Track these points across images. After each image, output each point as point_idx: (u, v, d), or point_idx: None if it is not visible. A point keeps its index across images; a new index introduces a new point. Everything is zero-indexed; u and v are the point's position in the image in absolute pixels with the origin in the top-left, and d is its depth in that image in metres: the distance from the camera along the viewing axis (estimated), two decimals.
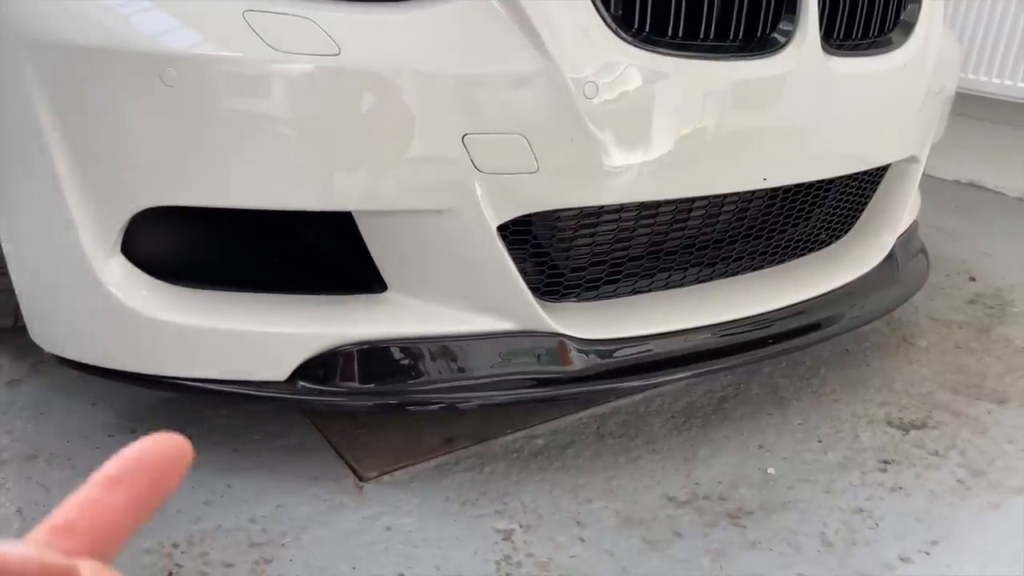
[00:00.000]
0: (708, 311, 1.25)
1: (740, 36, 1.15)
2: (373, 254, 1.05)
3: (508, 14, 0.98)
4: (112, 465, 0.25)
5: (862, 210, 1.53)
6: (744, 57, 1.13)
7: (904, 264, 1.53)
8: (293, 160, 0.94)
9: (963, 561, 1.04)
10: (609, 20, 1.03)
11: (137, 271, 1.02)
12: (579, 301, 1.20)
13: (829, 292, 1.38)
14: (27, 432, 1.19)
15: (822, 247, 1.49)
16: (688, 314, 1.23)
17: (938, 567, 1.03)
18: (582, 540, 1.04)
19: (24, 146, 0.98)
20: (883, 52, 1.31)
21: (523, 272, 1.07)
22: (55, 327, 1.09)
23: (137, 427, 1.22)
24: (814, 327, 1.34)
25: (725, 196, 1.26)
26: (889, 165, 1.47)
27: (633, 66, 1.03)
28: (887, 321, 1.65)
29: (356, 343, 1.05)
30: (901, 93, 1.36)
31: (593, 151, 1.03)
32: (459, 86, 0.96)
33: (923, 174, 1.53)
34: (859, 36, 1.30)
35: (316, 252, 1.13)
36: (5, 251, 1.09)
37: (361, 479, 1.13)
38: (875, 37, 1.33)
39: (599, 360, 1.14)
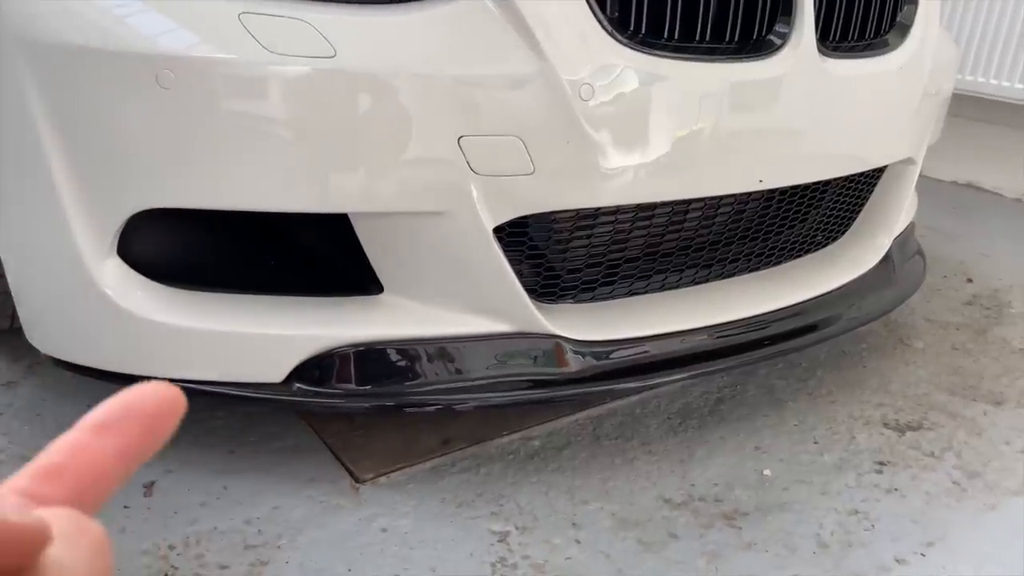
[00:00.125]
0: (704, 312, 1.25)
1: (736, 38, 1.15)
2: (369, 256, 1.05)
3: (504, 16, 0.98)
4: (102, 412, 0.24)
5: (859, 211, 1.53)
6: (740, 59, 1.13)
7: (901, 265, 1.53)
8: (289, 162, 0.94)
9: (959, 562, 1.04)
10: (605, 22, 1.03)
11: (133, 273, 1.02)
12: (575, 303, 1.20)
13: (826, 294, 1.38)
14: (23, 434, 1.19)
15: (819, 248, 1.49)
16: (684, 315, 1.23)
17: (934, 568, 1.03)
18: (578, 542, 1.04)
19: (20, 147, 0.98)
20: (879, 54, 1.32)
21: (519, 274, 1.07)
22: (51, 329, 1.09)
23: None
24: (811, 328, 1.34)
25: (721, 198, 1.26)
26: (886, 166, 1.47)
27: (629, 68, 1.03)
28: (884, 322, 1.65)
29: (352, 345, 1.05)
30: (897, 95, 1.36)
31: (589, 153, 1.03)
32: (455, 88, 0.96)
33: (920, 175, 1.53)
34: (855, 38, 1.30)
35: (312, 254, 1.13)
36: (1, 253, 1.09)
37: (357, 481, 1.13)
38: (871, 39, 1.33)
39: (595, 362, 1.14)
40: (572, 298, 1.20)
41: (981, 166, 2.63)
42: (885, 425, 1.33)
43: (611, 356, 1.16)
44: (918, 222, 1.70)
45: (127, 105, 0.92)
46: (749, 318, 1.27)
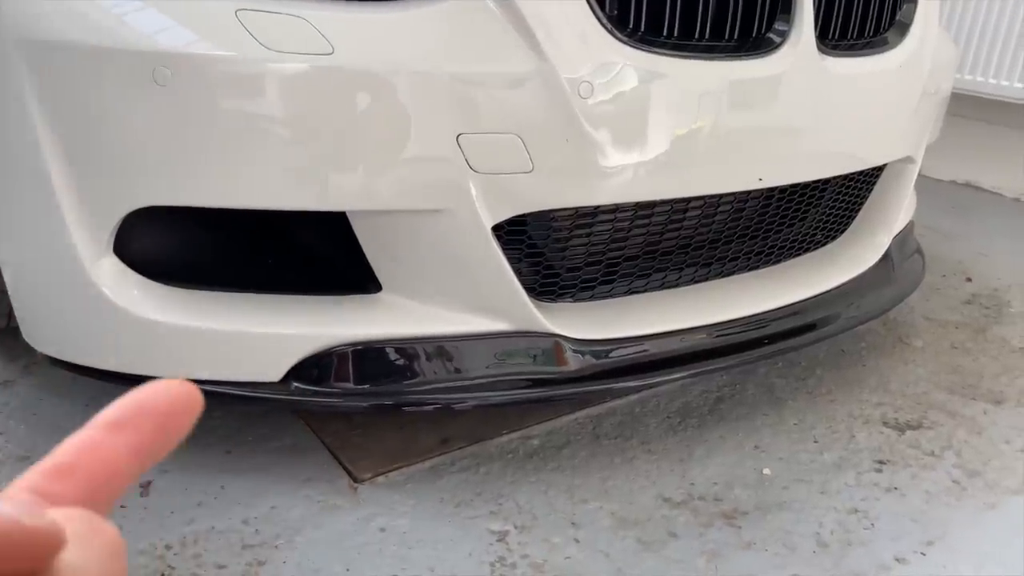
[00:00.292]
0: (704, 311, 1.25)
1: (735, 36, 1.15)
2: (367, 254, 1.05)
3: (503, 14, 0.97)
4: (116, 409, 0.23)
5: (858, 210, 1.53)
6: (739, 57, 1.13)
7: (900, 264, 1.53)
8: (286, 160, 0.94)
9: (959, 561, 1.04)
10: (604, 20, 1.02)
11: (130, 271, 1.02)
12: (575, 301, 1.20)
13: (825, 292, 1.38)
14: (19, 433, 1.18)
15: (818, 247, 1.49)
16: (684, 314, 1.23)
17: (934, 567, 1.03)
18: (577, 541, 1.04)
19: (16, 145, 0.98)
20: (878, 52, 1.31)
21: (518, 272, 1.07)
22: (48, 328, 1.08)
23: None
24: (810, 327, 1.34)
25: (721, 196, 1.25)
26: (885, 165, 1.47)
27: (628, 66, 1.03)
28: (883, 321, 1.65)
29: (350, 344, 1.04)
30: (897, 93, 1.36)
31: (588, 151, 1.02)
32: (453, 86, 0.95)
33: (919, 174, 1.53)
34: (854, 36, 1.30)
35: (310, 252, 1.13)
36: None
37: (355, 480, 1.13)
38: (870, 37, 1.33)
39: (595, 360, 1.14)
40: (571, 297, 1.19)
41: (980, 165, 2.63)
42: (885, 424, 1.33)
43: (610, 355, 1.15)
44: (917, 221, 1.70)
45: (124, 103, 0.92)
46: (748, 317, 1.27)
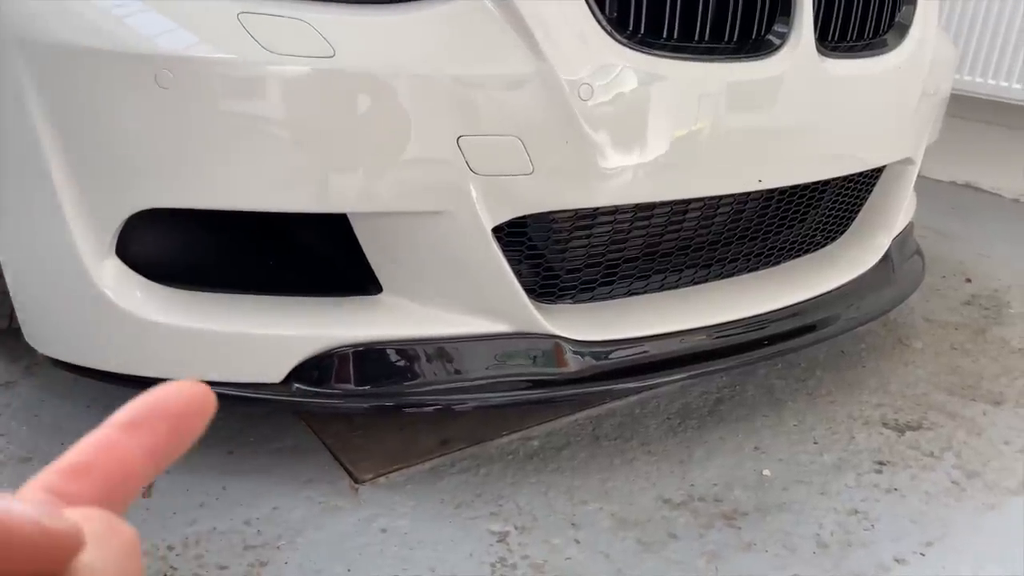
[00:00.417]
0: (704, 312, 1.25)
1: (735, 38, 1.15)
2: (368, 256, 1.05)
3: (503, 16, 0.98)
4: (130, 410, 0.23)
5: (858, 211, 1.53)
6: (739, 59, 1.13)
7: (900, 265, 1.53)
8: (288, 162, 0.94)
9: (958, 562, 1.04)
10: (604, 22, 1.03)
11: (132, 273, 1.02)
12: (575, 303, 1.20)
13: (825, 293, 1.38)
14: (21, 434, 1.18)
15: (818, 248, 1.49)
16: (684, 316, 1.23)
17: (933, 568, 1.03)
18: (577, 542, 1.04)
19: (19, 147, 0.98)
20: (878, 54, 1.32)
21: (518, 274, 1.07)
22: (49, 329, 1.08)
23: None
24: (810, 328, 1.34)
25: (720, 198, 1.26)
26: (884, 167, 1.47)
27: (628, 68, 1.03)
28: (883, 322, 1.65)
29: (351, 345, 1.05)
30: (896, 95, 1.36)
31: (588, 153, 1.03)
32: (454, 88, 0.96)
33: (919, 175, 1.53)
34: (854, 38, 1.30)
35: (311, 254, 1.13)
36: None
37: (356, 481, 1.13)
38: (870, 39, 1.34)
39: (594, 362, 1.14)
40: (571, 298, 1.20)
41: (980, 166, 2.63)
42: (884, 425, 1.33)
43: (610, 356, 1.16)
44: (917, 222, 1.71)
45: (126, 105, 0.92)
46: (748, 318, 1.27)
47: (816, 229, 1.47)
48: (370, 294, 1.08)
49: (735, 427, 1.30)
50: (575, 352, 1.13)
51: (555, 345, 1.12)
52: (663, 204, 1.19)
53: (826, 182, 1.38)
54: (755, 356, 1.27)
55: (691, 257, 1.29)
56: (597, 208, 1.12)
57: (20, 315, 1.10)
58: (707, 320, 1.24)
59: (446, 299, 1.07)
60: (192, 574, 0.96)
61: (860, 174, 1.44)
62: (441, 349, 1.08)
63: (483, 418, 1.27)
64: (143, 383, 1.15)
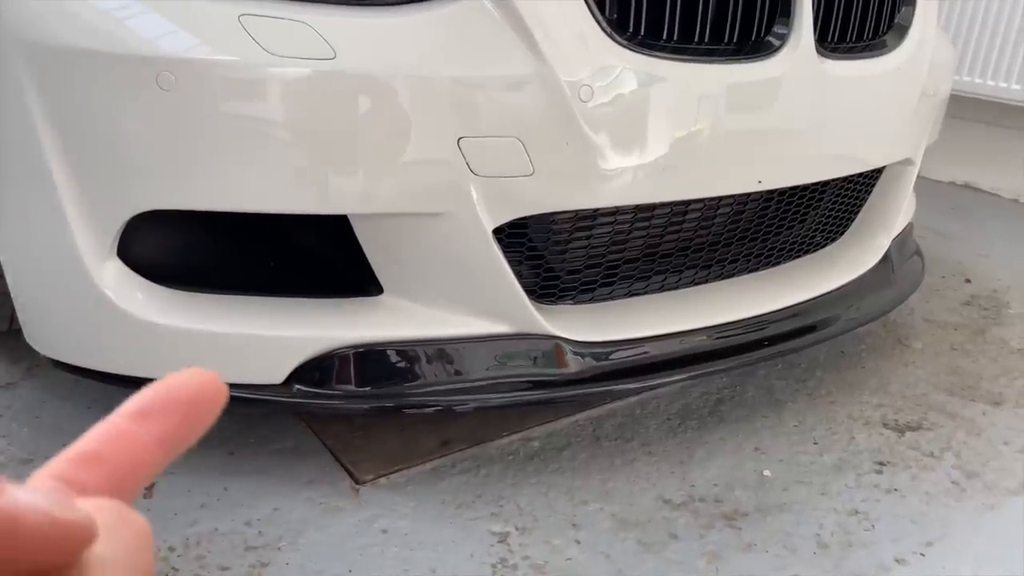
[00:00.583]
0: (704, 313, 1.25)
1: (735, 39, 1.15)
2: (369, 257, 1.05)
3: (503, 17, 0.98)
4: (141, 399, 0.23)
5: (857, 212, 1.53)
6: (739, 60, 1.14)
7: (899, 266, 1.54)
8: (289, 164, 0.95)
9: (958, 562, 1.04)
10: (604, 23, 1.03)
11: (133, 274, 1.02)
12: (575, 304, 1.20)
13: (825, 294, 1.38)
14: (22, 436, 1.19)
15: (818, 249, 1.49)
16: (684, 316, 1.23)
17: (933, 568, 1.03)
18: (578, 542, 1.04)
19: (21, 149, 0.98)
20: (877, 55, 1.32)
21: (519, 275, 1.07)
22: (50, 330, 1.08)
23: None
24: (810, 329, 1.34)
25: (720, 199, 1.26)
26: (884, 167, 1.47)
27: (628, 69, 1.04)
28: (883, 323, 1.65)
29: (352, 346, 1.05)
30: (895, 95, 1.36)
31: (588, 154, 1.03)
32: (454, 89, 0.96)
33: (918, 176, 1.53)
34: (853, 39, 1.31)
35: (312, 255, 1.13)
36: (1, 254, 1.09)
37: (357, 482, 1.13)
38: (869, 40, 1.34)
39: (595, 362, 1.15)
40: (571, 299, 1.20)
41: (979, 167, 2.64)
42: (884, 425, 1.33)
43: (610, 357, 1.16)
44: (916, 223, 1.71)
45: (127, 107, 0.92)
46: (748, 319, 1.27)
47: (816, 230, 1.47)
48: (371, 295, 1.08)
49: (735, 428, 1.30)
50: (575, 353, 1.13)
51: (555, 346, 1.12)
52: (663, 205, 1.19)
53: (826, 183, 1.38)
54: (755, 357, 1.28)
55: (691, 258, 1.30)
56: (597, 209, 1.12)
57: (21, 316, 1.10)
58: (707, 321, 1.24)
59: (447, 300, 1.08)
60: (193, 575, 0.96)
61: (860, 175, 1.44)
62: (441, 350, 1.08)
63: (483, 419, 1.27)
64: (144, 385, 1.16)
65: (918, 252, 1.66)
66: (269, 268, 1.12)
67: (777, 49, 1.16)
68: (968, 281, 1.92)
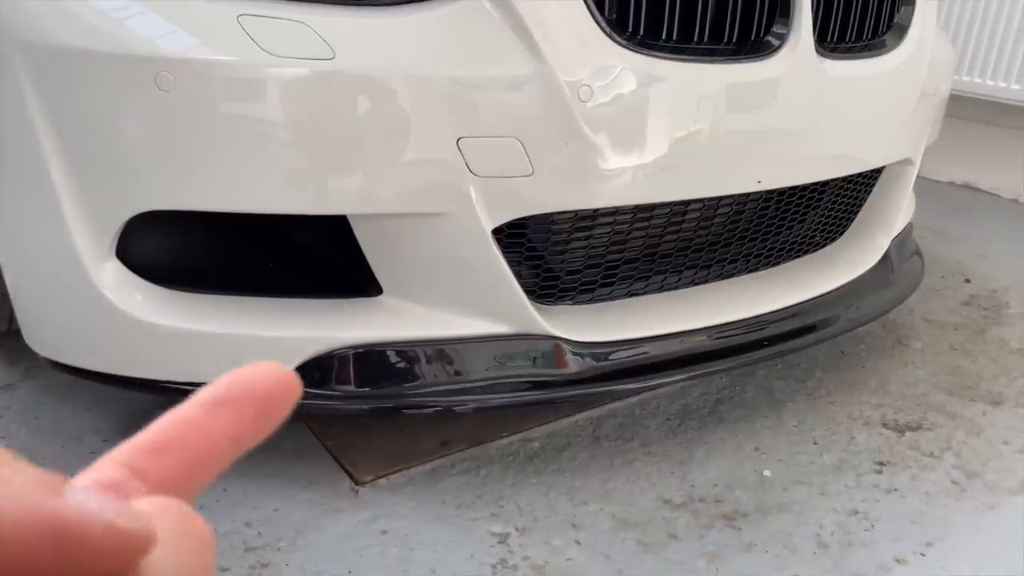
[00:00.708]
0: (703, 313, 1.25)
1: (734, 39, 1.15)
2: (368, 257, 1.05)
3: (502, 18, 0.98)
4: (215, 389, 0.22)
5: (857, 212, 1.53)
6: (738, 60, 1.14)
7: (899, 266, 1.53)
8: (288, 164, 0.94)
9: (958, 562, 1.04)
10: (603, 24, 1.03)
11: (132, 275, 1.02)
12: (574, 304, 1.20)
13: (824, 294, 1.38)
14: (21, 437, 1.18)
15: (817, 249, 1.49)
16: (683, 316, 1.23)
17: (933, 568, 1.03)
18: (578, 543, 1.04)
19: (19, 149, 0.98)
20: (877, 55, 1.32)
21: (518, 275, 1.07)
22: (49, 331, 1.08)
23: (132, 432, 1.21)
24: (809, 329, 1.34)
25: (720, 199, 1.26)
26: (884, 167, 1.47)
27: (627, 69, 1.04)
28: (882, 323, 1.65)
29: (352, 347, 1.05)
30: (895, 95, 1.36)
31: (588, 154, 1.03)
32: (453, 89, 0.96)
33: (918, 176, 1.53)
34: (852, 39, 1.31)
35: (311, 256, 1.13)
36: None
37: (357, 483, 1.13)
38: (869, 40, 1.34)
39: (595, 363, 1.14)
40: (571, 299, 1.20)
41: (979, 167, 2.64)
42: (884, 425, 1.33)
43: (610, 357, 1.16)
44: (916, 223, 1.71)
45: (126, 108, 0.92)
46: (748, 319, 1.27)
47: (815, 230, 1.47)
48: (370, 296, 1.08)
49: (735, 428, 1.30)
50: (575, 353, 1.13)
51: (555, 346, 1.12)
52: (663, 205, 1.19)
53: (825, 183, 1.38)
54: (755, 357, 1.28)
55: (691, 258, 1.30)
56: (597, 209, 1.12)
57: (20, 317, 1.10)
58: (707, 321, 1.24)
59: (446, 300, 1.07)
60: None
61: (859, 175, 1.44)
62: (441, 350, 1.08)
63: (483, 419, 1.27)
64: (143, 385, 1.15)
65: (918, 252, 1.66)
66: (268, 269, 1.11)
67: (776, 49, 1.16)
68: (968, 281, 1.92)
